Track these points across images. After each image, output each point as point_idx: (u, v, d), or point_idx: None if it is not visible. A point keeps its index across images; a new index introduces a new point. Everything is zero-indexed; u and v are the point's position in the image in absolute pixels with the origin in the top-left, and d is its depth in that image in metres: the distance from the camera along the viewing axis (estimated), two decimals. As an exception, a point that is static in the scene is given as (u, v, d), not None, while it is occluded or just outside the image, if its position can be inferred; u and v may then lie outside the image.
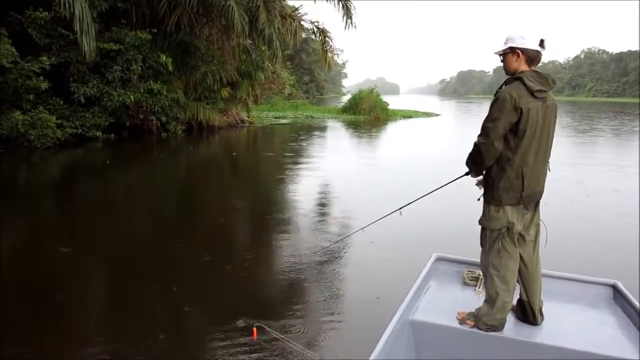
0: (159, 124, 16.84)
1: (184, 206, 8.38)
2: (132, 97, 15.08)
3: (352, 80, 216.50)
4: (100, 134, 15.03)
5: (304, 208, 7.96)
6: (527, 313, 2.92)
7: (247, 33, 16.99)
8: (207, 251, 5.67)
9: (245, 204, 8.51)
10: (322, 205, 8.44)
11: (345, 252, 5.65)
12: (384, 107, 31.74)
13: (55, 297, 4.33)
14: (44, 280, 4.68)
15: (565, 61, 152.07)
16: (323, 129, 24.21)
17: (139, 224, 7.06)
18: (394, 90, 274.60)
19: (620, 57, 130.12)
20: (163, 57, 16.17)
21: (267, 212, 7.78)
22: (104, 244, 5.96)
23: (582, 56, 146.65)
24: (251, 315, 3.87)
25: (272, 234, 6.59)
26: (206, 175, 11.33)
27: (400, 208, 4.00)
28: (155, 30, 16.21)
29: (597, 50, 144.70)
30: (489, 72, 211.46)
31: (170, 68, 16.48)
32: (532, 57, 2.76)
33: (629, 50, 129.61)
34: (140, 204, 8.34)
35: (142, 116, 16.18)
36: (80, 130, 14.44)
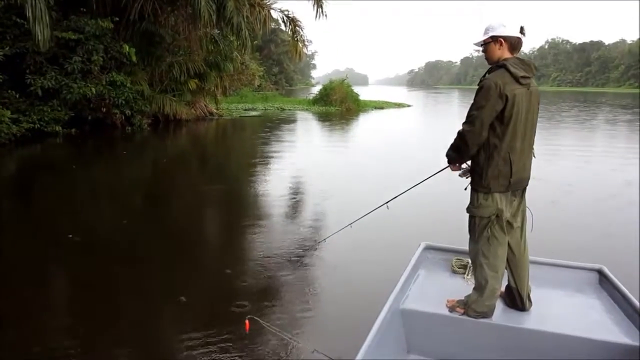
0: (122, 117, 16.05)
1: (151, 209, 7.82)
2: (93, 89, 14.30)
3: (321, 71, 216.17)
4: (60, 128, 14.25)
5: (287, 204, 7.55)
6: (516, 299, 2.96)
7: (214, 22, 16.40)
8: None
9: (219, 204, 8.05)
10: (308, 200, 7.98)
11: (336, 244, 5.30)
12: (355, 98, 31.38)
13: None
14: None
15: (530, 51, 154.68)
16: (295, 121, 23.70)
17: (99, 227, 6.47)
18: (363, 81, 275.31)
19: (583, 48, 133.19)
20: (126, 47, 15.40)
21: (245, 213, 7.35)
22: (52, 251, 5.40)
23: (547, 46, 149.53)
24: (246, 307, 3.87)
25: (253, 235, 6.14)
26: (175, 173, 10.71)
27: (387, 202, 3.96)
28: (118, 19, 15.40)
29: (560, 41, 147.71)
30: (456, 62, 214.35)
31: (134, 59, 15.70)
32: (514, 44, 2.78)
33: (591, 41, 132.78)
34: (100, 208, 7.74)
35: (104, 109, 15.35)
36: (38, 125, 13.64)
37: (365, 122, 24.17)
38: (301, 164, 11.63)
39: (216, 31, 19.66)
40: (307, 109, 29.47)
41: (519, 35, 2.78)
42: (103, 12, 15.32)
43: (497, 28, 2.77)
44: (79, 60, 14.19)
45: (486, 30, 2.82)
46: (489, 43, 2.80)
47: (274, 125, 20.84)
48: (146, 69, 17.56)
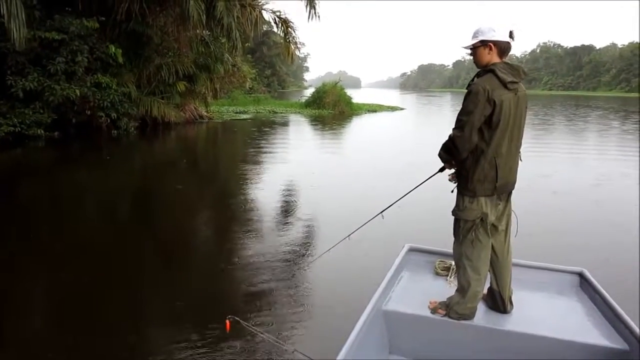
0: (108, 120, 15.47)
1: (135, 220, 7.36)
2: (77, 91, 13.77)
3: (314, 74, 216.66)
4: (43, 132, 13.67)
5: (279, 211, 7.27)
6: (497, 301, 3.00)
7: (204, 22, 15.88)
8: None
9: (210, 212, 7.70)
10: (302, 207, 7.54)
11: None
12: (348, 101, 31.02)
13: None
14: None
15: (522, 55, 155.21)
16: (288, 124, 23.25)
17: (82, 235, 6.01)
18: (356, 83, 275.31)
19: (575, 51, 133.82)
20: (112, 48, 14.88)
21: (235, 221, 6.96)
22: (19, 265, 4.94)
23: (538, 50, 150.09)
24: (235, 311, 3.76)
25: (246, 241, 5.90)
26: (160, 179, 10.19)
27: (382, 211, 3.88)
28: (104, 19, 14.88)
29: (552, 45, 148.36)
30: (448, 66, 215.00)
31: (121, 60, 15.19)
32: (503, 48, 2.77)
33: (582, 45, 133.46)
34: (80, 219, 7.24)
35: (89, 112, 14.81)
36: (19, 128, 13.09)
37: (359, 126, 23.73)
38: (294, 170, 11.16)
39: (206, 32, 19.19)
40: (299, 112, 29.04)
41: (508, 39, 2.77)
42: (88, 12, 14.77)
43: (487, 32, 2.75)
44: (62, 61, 13.65)
45: (475, 34, 2.80)
46: (478, 47, 2.79)
47: (265, 129, 20.38)
48: (133, 70, 17.02)
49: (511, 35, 2.78)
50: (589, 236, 6.40)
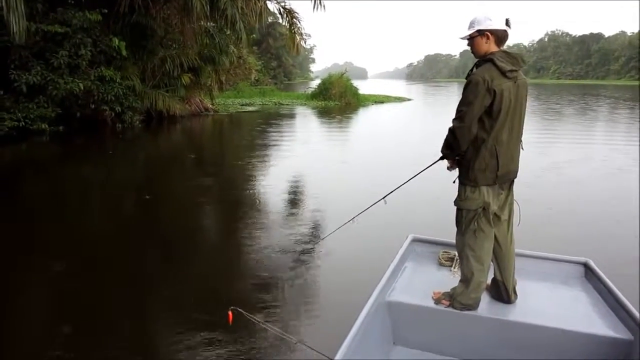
0: (113, 114, 15.31)
1: (141, 213, 7.25)
2: (81, 85, 13.60)
3: (320, 65, 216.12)
4: (47, 126, 13.52)
5: (286, 204, 7.12)
6: (501, 292, 2.99)
7: (207, 14, 15.68)
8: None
9: (217, 203, 7.57)
10: (308, 200, 7.48)
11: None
12: (355, 92, 30.74)
13: None
14: None
15: (530, 44, 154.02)
16: (294, 116, 23.07)
17: (85, 232, 5.90)
18: (362, 74, 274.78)
19: (583, 40, 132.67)
20: (116, 41, 14.70)
21: (244, 211, 6.87)
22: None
23: (546, 39, 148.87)
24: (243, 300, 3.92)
25: (253, 230, 5.73)
26: (164, 174, 10.08)
27: (385, 197, 3.92)
28: (107, 11, 14.66)
29: (560, 33, 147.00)
30: (455, 55, 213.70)
31: (124, 53, 15.00)
32: (501, 37, 2.78)
33: (591, 33, 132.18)
34: (84, 214, 7.14)
35: (93, 106, 14.67)
36: (23, 123, 12.94)
37: (366, 118, 23.49)
38: (300, 162, 11.03)
39: (211, 24, 18.99)
40: (305, 104, 28.84)
41: (505, 27, 2.76)
42: (91, 4, 14.52)
43: (483, 22, 2.75)
44: (65, 55, 13.48)
45: (471, 24, 2.80)
46: (476, 37, 2.79)
47: (271, 121, 20.21)
48: (137, 63, 16.86)
49: (507, 23, 2.77)
50: (595, 226, 6.31)
